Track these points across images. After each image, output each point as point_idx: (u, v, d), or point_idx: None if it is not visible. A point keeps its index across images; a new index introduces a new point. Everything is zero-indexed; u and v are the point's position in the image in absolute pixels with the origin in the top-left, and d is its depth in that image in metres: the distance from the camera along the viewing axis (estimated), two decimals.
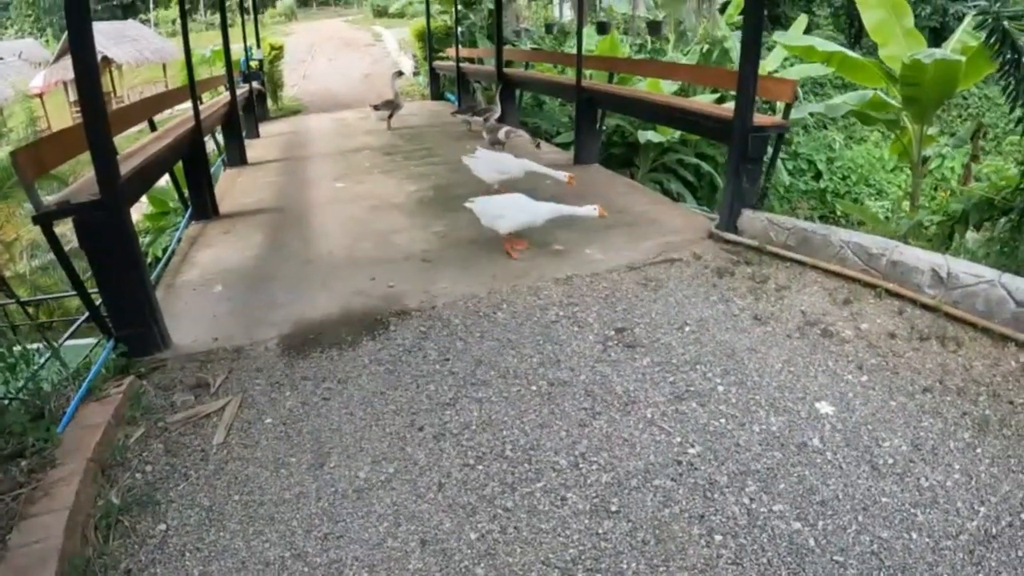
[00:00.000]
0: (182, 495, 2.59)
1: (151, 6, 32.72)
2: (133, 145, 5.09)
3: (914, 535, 2.33)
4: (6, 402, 3.02)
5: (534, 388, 3.13)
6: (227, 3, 9.63)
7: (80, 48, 3.33)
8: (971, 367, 3.35)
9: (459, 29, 13.81)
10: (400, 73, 11.25)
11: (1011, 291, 3.58)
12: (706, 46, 13.65)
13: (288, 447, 2.79)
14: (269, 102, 14.09)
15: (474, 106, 10.54)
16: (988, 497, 2.50)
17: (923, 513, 2.42)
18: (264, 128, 11.58)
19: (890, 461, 2.69)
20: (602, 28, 13.02)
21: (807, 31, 15.18)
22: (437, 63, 14.51)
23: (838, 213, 15.93)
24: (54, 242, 3.45)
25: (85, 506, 2.44)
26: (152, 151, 4.80)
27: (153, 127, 6.03)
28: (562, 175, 5.38)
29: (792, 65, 13.65)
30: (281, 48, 15.37)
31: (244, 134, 9.31)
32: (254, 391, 3.26)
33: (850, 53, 8.49)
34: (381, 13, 34.41)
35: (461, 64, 12.55)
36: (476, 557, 2.23)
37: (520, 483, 2.53)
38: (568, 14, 20.43)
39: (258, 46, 13.13)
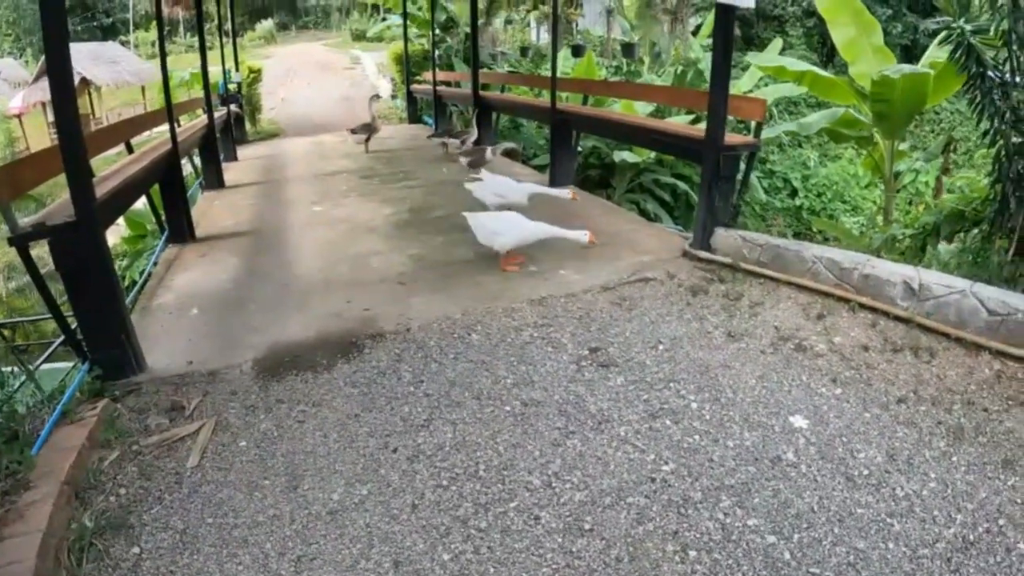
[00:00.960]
0: (156, 518, 2.59)
1: (131, 28, 32.69)
2: (110, 167, 5.09)
3: (891, 545, 2.36)
4: None
5: (508, 409, 3.14)
6: (206, 25, 9.68)
7: (58, 70, 3.34)
8: (945, 376, 3.43)
9: (436, 53, 13.95)
10: (377, 97, 11.34)
11: (983, 300, 3.67)
12: (680, 67, 13.90)
13: (262, 470, 2.78)
14: (247, 125, 14.08)
15: (450, 129, 10.65)
16: (965, 504, 2.55)
17: (899, 522, 2.46)
18: (242, 151, 11.58)
19: (865, 472, 2.72)
20: (577, 51, 13.23)
21: (780, 52, 15.55)
22: (414, 86, 14.64)
23: (814, 230, 16.19)
24: (30, 264, 3.43)
25: (59, 529, 2.42)
26: (128, 174, 4.82)
27: (130, 149, 6.01)
28: (565, 193, 5.57)
29: (767, 85, 13.91)
30: (259, 71, 15.44)
31: (222, 157, 9.28)
32: (229, 414, 3.25)
33: (821, 72, 8.67)
34: (359, 37, 34.69)
35: (438, 87, 12.65)
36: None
37: (493, 503, 2.53)
38: (544, 37, 20.74)
39: (237, 69, 13.14)
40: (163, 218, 6.43)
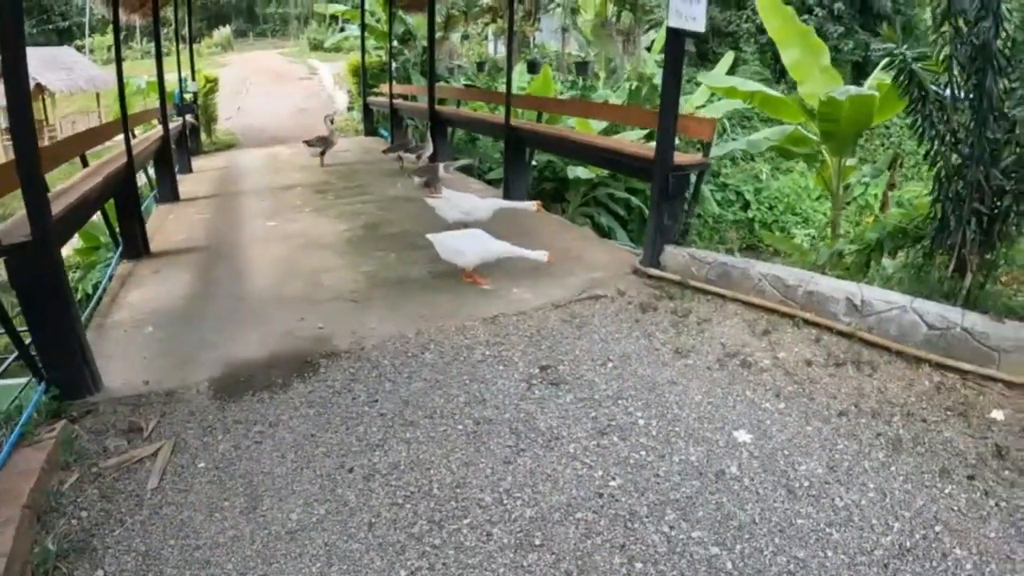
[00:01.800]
0: (119, 540, 2.62)
1: (87, 32, 32.00)
2: (65, 182, 5.06)
3: (829, 553, 2.51)
4: None
5: (460, 427, 3.23)
6: (163, 32, 9.59)
7: (14, 89, 3.33)
8: (886, 389, 3.63)
9: (393, 65, 14.01)
10: (332, 119, 11.36)
11: (922, 315, 3.91)
12: (635, 83, 14.18)
13: (221, 491, 2.82)
14: (203, 136, 13.95)
15: (406, 143, 10.75)
16: (902, 513, 2.71)
17: (838, 532, 2.61)
18: (197, 163, 11.54)
19: (806, 484, 2.88)
20: (533, 67, 13.37)
21: (734, 66, 15.94)
22: (371, 99, 14.71)
23: (765, 242, 16.58)
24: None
25: (22, 553, 2.45)
26: (84, 190, 4.79)
27: (85, 162, 5.96)
28: (531, 205, 5.70)
29: (719, 99, 14.30)
30: (216, 81, 15.29)
31: (177, 169, 9.24)
32: (187, 435, 3.27)
33: (770, 92, 9.01)
34: (317, 47, 34.61)
35: (395, 101, 12.78)
36: None
37: (447, 520, 2.62)
38: (502, 50, 20.88)
39: (193, 78, 13.00)
40: (116, 232, 6.36)
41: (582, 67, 15.22)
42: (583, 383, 3.63)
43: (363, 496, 2.74)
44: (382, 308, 4.74)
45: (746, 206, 16.63)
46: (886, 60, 4.50)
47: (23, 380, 4.09)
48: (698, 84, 14.25)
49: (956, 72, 4.13)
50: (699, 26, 4.86)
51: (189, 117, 11.78)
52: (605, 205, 12.07)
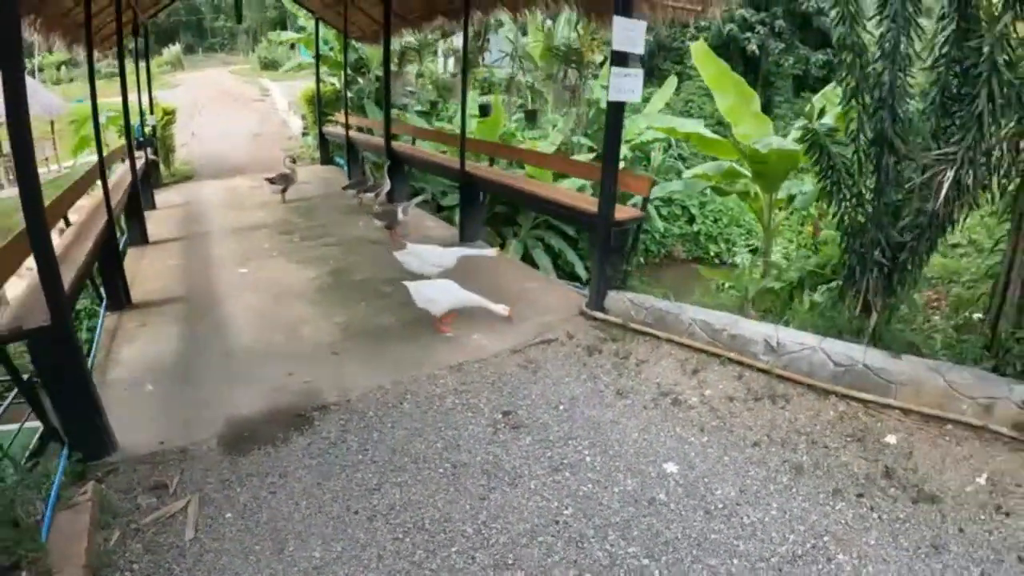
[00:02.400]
0: None
1: (36, 49, 31.33)
2: (57, 243, 5.40)
3: (736, 560, 3.21)
4: None
5: (441, 471, 3.86)
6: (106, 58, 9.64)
7: (27, 184, 3.61)
8: (796, 419, 4.33)
9: (348, 94, 14.41)
10: (293, 160, 11.78)
11: (830, 354, 4.62)
12: (571, 94, 14.91)
13: (251, 537, 3.35)
14: (161, 167, 14.09)
15: (364, 181, 11.23)
16: (797, 527, 3.42)
17: (744, 544, 3.31)
18: (159, 196, 11.68)
19: (720, 506, 3.58)
20: (484, 111, 13.90)
21: (679, 81, 16.81)
22: (327, 128, 15.02)
23: (711, 253, 17.50)
24: (7, 363, 3.80)
25: None
26: (80, 262, 5.09)
27: (67, 221, 6.22)
28: (491, 252, 6.34)
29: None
30: (174, 112, 15.42)
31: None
32: (208, 489, 3.71)
33: (706, 133, 9.89)
34: (268, 66, 34.47)
35: (351, 134, 13.15)
36: None
37: (439, 548, 3.26)
38: (451, 67, 21.42)
39: (151, 111, 13.14)
40: (99, 284, 6.58)
41: (531, 115, 15.94)
42: (539, 426, 4.30)
43: (369, 533, 3.35)
44: (359, 360, 5.24)
45: (691, 220, 17.46)
46: (800, 133, 5.27)
47: (14, 426, 4.30)
48: (646, 100, 15.01)
49: (862, 144, 4.89)
50: (636, 97, 5.58)
51: (149, 152, 11.88)
52: (555, 228, 12.83)
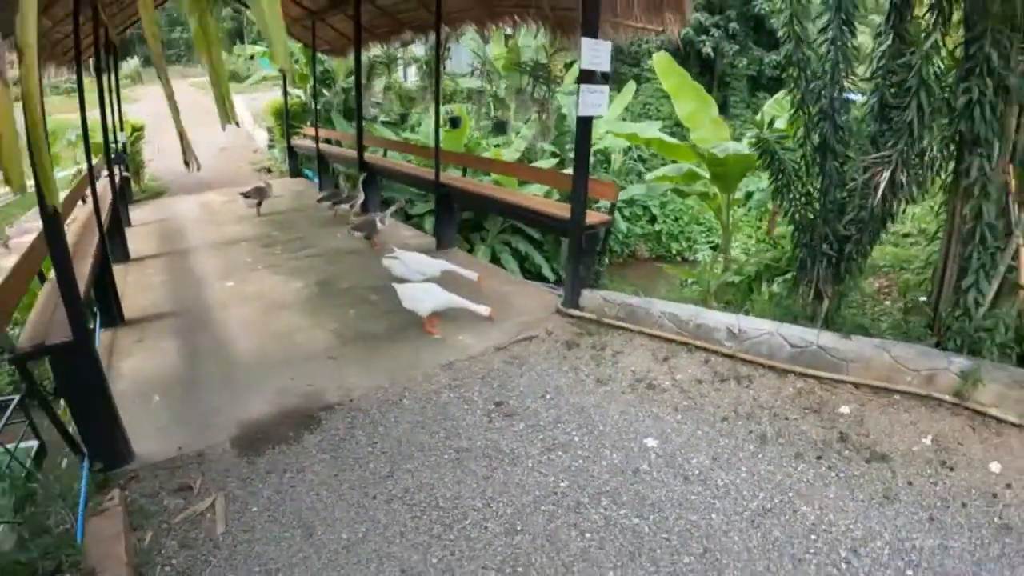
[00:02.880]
0: (214, 574, 3.35)
1: None
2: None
3: (713, 516, 3.69)
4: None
5: (446, 456, 4.26)
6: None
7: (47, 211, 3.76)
8: (759, 396, 4.83)
9: (316, 107, 14.64)
10: (267, 184, 11.96)
11: (786, 338, 5.14)
12: (539, 107, 15.37)
13: (279, 526, 3.66)
14: (132, 184, 14.14)
15: (338, 193, 11.52)
16: (766, 486, 3.91)
17: (720, 502, 3.80)
18: (133, 213, 11.76)
19: (696, 472, 4.05)
20: (455, 123, 14.24)
21: (637, 83, 17.33)
22: (295, 141, 15.27)
23: (673, 251, 18.05)
24: (30, 380, 3.98)
25: None
26: (85, 274, 5.29)
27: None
28: (472, 275, 6.61)
29: (624, 120, 15.70)
30: (142, 128, 15.54)
31: None
32: (231, 487, 3.97)
33: (667, 138, 10.47)
34: (230, 78, 34.11)
35: (322, 146, 13.40)
36: (440, 571, 3.35)
37: (455, 522, 3.66)
38: (412, 76, 21.67)
39: (121, 128, 13.16)
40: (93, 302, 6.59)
41: (500, 125, 16.36)
42: (529, 413, 4.72)
43: (390, 514, 3.74)
44: (356, 363, 5.57)
45: (653, 219, 17.96)
46: (753, 140, 5.74)
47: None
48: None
49: (808, 149, 5.37)
50: (603, 111, 6.05)
51: (121, 168, 11.83)
52: (521, 231, 13.27)
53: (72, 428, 4.21)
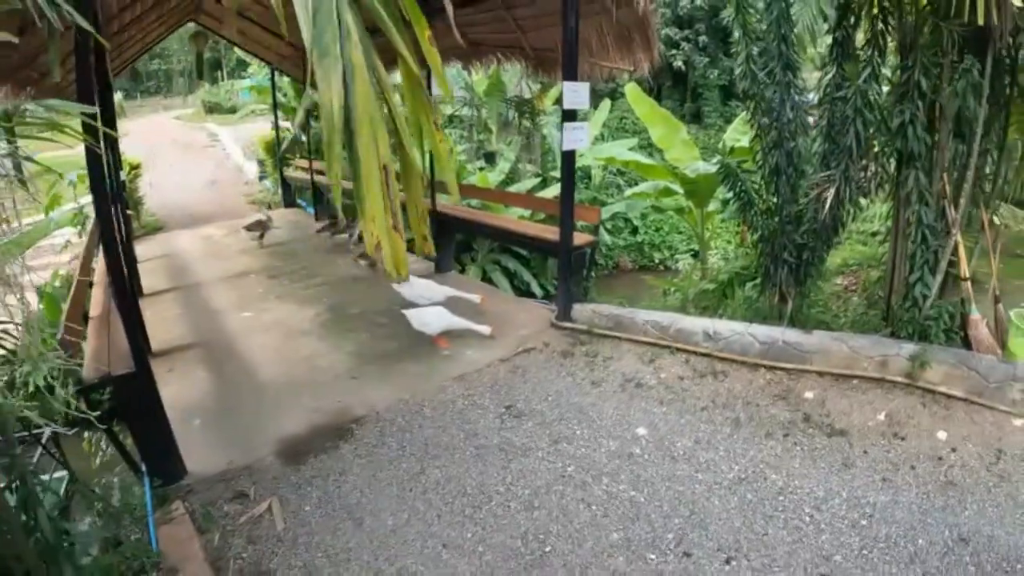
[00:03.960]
0: (281, 563, 3.81)
1: None
2: (99, 298, 6.07)
3: (697, 486, 4.36)
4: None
5: (468, 453, 4.90)
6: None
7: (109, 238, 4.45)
8: (733, 388, 5.50)
9: (304, 139, 15.07)
10: (269, 217, 12.46)
11: (756, 336, 5.81)
12: (525, 138, 16.06)
13: (332, 520, 4.17)
14: (133, 221, 14.43)
15: (337, 222, 11.97)
16: (740, 460, 4.59)
17: (702, 474, 4.47)
18: (137, 249, 11.54)
19: (681, 452, 4.73)
20: None
21: (612, 99, 18.06)
22: (289, 172, 15.72)
23: (655, 260, 18.74)
24: (94, 410, 4.24)
25: None
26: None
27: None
28: (475, 297, 7.29)
29: (603, 139, 16.44)
30: (139, 166, 15.98)
31: None
32: (282, 492, 4.44)
33: (643, 159, 11.35)
34: (212, 109, 34.24)
35: (316, 177, 13.93)
36: (476, 542, 3.98)
37: (482, 505, 4.31)
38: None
39: (119, 166, 13.60)
40: None
41: (490, 156, 17.04)
42: (535, 413, 5.39)
43: (426, 503, 4.37)
44: (376, 380, 6.09)
45: (635, 231, 18.50)
46: (718, 167, 6.50)
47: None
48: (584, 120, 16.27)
49: (765, 172, 6.13)
50: (585, 144, 6.76)
51: (120, 206, 12.20)
52: (509, 251, 13.91)
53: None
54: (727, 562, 3.73)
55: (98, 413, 4.64)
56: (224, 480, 4.68)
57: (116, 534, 3.83)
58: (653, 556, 3.81)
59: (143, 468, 4.58)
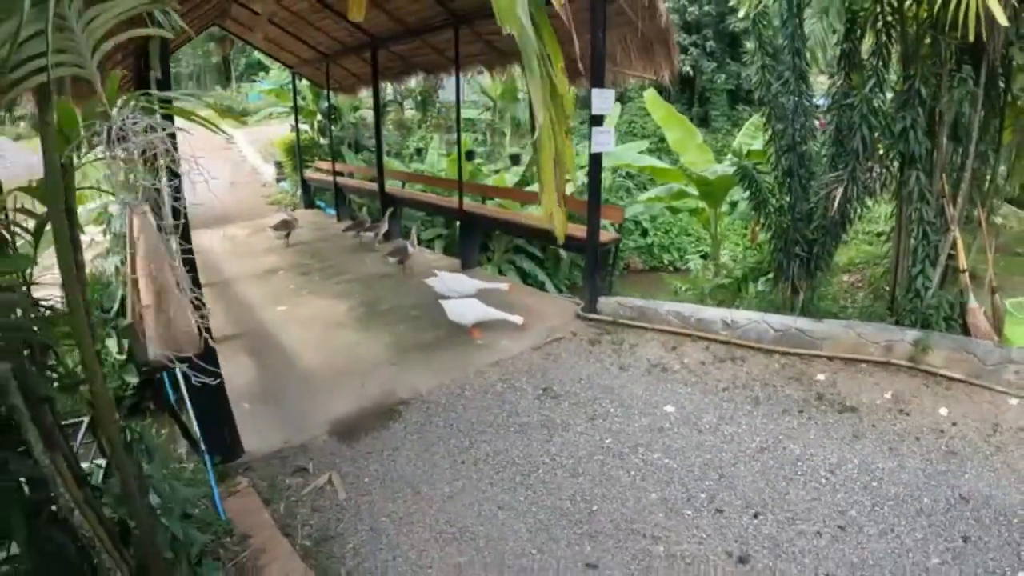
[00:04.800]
0: (347, 528, 4.10)
1: None
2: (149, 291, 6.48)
3: (723, 455, 4.82)
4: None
5: (512, 429, 5.34)
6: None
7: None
8: (751, 371, 5.96)
9: (324, 141, 15.54)
10: (294, 217, 12.80)
11: (771, 324, 6.26)
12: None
13: (390, 490, 4.49)
14: None
15: (363, 222, 12.30)
16: (761, 433, 5.05)
17: (727, 445, 4.93)
18: None
19: (707, 427, 5.19)
20: (469, 155, 15.23)
21: (621, 103, 18.45)
22: (309, 174, 16.09)
23: (665, 262, 19.14)
24: (160, 390, 4.81)
25: (297, 551, 3.83)
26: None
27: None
28: (504, 286, 7.76)
29: (622, 143, 16.84)
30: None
31: None
32: (340, 466, 4.75)
33: (658, 164, 11.79)
34: (223, 113, 34.45)
35: (339, 180, 14.35)
36: (528, 504, 4.40)
37: (531, 472, 4.76)
38: (407, 107, 22.62)
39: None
40: None
41: (515, 158, 17.49)
42: (571, 394, 5.84)
43: (478, 473, 4.80)
44: (416, 367, 6.46)
45: (645, 233, 18.85)
46: (735, 169, 6.96)
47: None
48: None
49: (779, 172, 6.58)
50: (611, 148, 7.20)
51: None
52: (524, 250, 14.34)
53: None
54: (755, 516, 4.20)
55: (172, 395, 5.14)
56: (280, 457, 4.96)
57: (184, 508, 4.18)
58: (689, 512, 4.28)
59: (203, 446, 4.69)
